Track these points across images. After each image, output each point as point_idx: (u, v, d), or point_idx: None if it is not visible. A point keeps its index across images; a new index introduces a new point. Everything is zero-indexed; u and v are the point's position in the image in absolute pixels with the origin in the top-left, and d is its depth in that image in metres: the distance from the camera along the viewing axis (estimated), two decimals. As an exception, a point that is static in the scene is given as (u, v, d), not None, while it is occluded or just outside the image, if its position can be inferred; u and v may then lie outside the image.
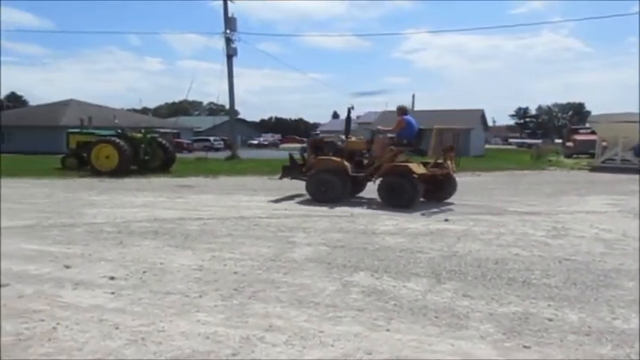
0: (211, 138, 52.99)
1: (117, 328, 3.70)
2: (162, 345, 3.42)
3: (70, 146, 20.45)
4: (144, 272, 5.23)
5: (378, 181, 10.54)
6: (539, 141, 58.32)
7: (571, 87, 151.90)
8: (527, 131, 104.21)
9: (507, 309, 4.19)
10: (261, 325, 3.80)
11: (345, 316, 4.00)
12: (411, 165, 10.18)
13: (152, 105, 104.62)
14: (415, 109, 54.75)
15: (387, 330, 3.73)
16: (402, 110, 11.45)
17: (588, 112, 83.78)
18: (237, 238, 6.99)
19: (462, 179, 16.97)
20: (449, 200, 10.97)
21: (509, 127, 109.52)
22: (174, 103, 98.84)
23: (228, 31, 30.94)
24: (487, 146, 50.81)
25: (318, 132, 44.37)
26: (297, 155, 12.32)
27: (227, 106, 35.71)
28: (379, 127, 13.52)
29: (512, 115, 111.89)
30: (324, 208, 9.71)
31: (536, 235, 7.32)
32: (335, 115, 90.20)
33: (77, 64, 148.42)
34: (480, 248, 6.42)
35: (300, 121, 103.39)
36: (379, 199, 10.35)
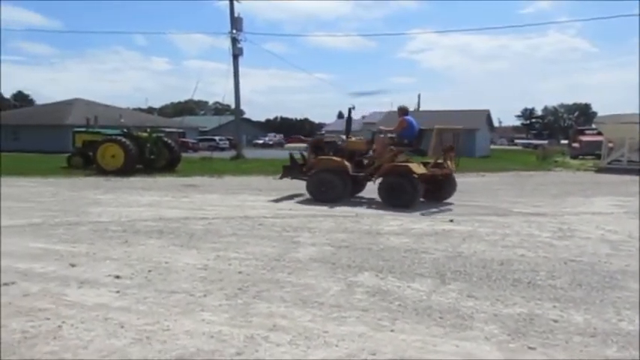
0: (217, 138, 53.10)
1: (122, 327, 3.71)
2: (167, 344, 3.43)
3: (76, 145, 20.56)
4: (149, 271, 5.25)
5: (378, 181, 10.58)
6: (545, 142, 58.12)
7: (577, 87, 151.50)
8: (533, 132, 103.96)
9: (512, 310, 4.18)
10: (265, 324, 3.80)
11: (350, 316, 4.00)
12: (411, 165, 10.22)
13: (158, 104, 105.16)
14: (421, 109, 54.82)
15: (392, 330, 3.72)
16: (403, 110, 11.53)
17: (594, 113, 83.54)
18: (242, 237, 7.00)
19: (467, 180, 16.96)
20: (448, 200, 10.99)
21: (515, 128, 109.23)
22: (179, 103, 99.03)
23: (234, 31, 30.97)
24: (493, 147, 50.61)
25: (323, 132, 44.36)
26: (297, 155, 12.34)
27: (233, 106, 35.80)
28: (381, 127, 13.54)
29: (519, 116, 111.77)
30: (328, 208, 9.71)
31: (541, 236, 7.29)
32: (340, 115, 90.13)
33: (84, 63, 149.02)
34: (485, 249, 6.41)
35: (306, 121, 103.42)
36: (379, 199, 10.38)
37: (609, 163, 21.67)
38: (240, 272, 5.25)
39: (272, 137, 69.59)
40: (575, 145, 32.08)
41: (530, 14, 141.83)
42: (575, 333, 3.70)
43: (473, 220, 8.49)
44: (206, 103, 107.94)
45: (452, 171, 10.92)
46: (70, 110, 42.60)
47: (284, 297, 4.46)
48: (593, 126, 31.16)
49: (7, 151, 32.70)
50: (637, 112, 21.94)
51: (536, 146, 49.31)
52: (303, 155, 12.17)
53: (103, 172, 17.47)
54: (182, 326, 3.74)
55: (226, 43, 31.44)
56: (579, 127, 40.94)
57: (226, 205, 10.18)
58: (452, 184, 11.16)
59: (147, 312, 4.05)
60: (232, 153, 32.62)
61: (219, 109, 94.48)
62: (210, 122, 69.88)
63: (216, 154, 32.01)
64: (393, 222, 8.31)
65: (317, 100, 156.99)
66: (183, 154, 22.77)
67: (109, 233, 7.23)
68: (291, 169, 11.93)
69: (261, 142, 63.92)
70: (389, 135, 11.49)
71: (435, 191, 10.91)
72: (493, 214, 9.34)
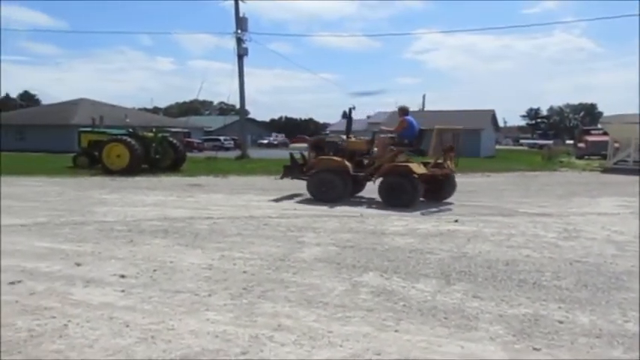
0: (221, 137, 53.20)
1: (127, 326, 3.73)
2: (172, 343, 3.44)
3: (82, 145, 20.62)
4: (154, 271, 5.26)
5: (378, 181, 10.60)
6: (551, 142, 57.81)
7: (583, 87, 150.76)
8: (539, 132, 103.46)
9: (517, 311, 4.17)
10: (270, 324, 3.81)
11: (354, 316, 4.00)
12: (411, 165, 10.24)
13: (163, 104, 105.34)
14: (425, 109, 54.76)
15: (396, 331, 3.72)
16: (404, 111, 11.60)
17: (600, 113, 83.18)
18: (247, 237, 7.01)
19: (472, 180, 16.95)
20: (448, 200, 11.02)
21: (520, 128, 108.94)
22: (185, 103, 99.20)
23: (239, 31, 31.06)
24: (498, 147, 50.54)
25: (327, 132, 44.34)
26: (297, 155, 12.36)
27: (237, 106, 35.98)
28: (382, 127, 13.56)
29: (524, 116, 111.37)
30: (328, 208, 9.71)
31: (547, 236, 7.27)
32: (344, 115, 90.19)
33: (90, 63, 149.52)
34: (490, 249, 6.39)
35: (310, 120, 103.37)
36: (379, 199, 10.41)
37: (615, 164, 21.58)
38: (244, 272, 5.25)
39: (276, 137, 69.71)
40: (581, 145, 31.99)
41: (536, 14, 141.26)
42: (580, 334, 3.69)
43: (478, 221, 8.48)
44: (211, 103, 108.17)
45: (452, 171, 10.94)
46: (75, 110, 42.81)
47: (289, 297, 4.46)
48: (599, 126, 31.01)
49: (13, 151, 32.92)
50: (636, 112, 21.81)
51: (541, 146, 49.10)
52: (303, 155, 12.20)
53: (108, 171, 17.53)
54: (187, 326, 3.75)
55: (231, 43, 31.59)
56: (585, 127, 40.78)
57: (231, 205, 10.20)
58: (452, 184, 11.19)
59: (152, 311, 4.06)
60: (237, 153, 32.72)
61: (224, 109, 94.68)
62: (215, 122, 70.03)
63: (221, 154, 32.09)
64: (398, 222, 8.30)
65: (321, 100, 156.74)
66: (189, 154, 22.85)
67: (115, 233, 7.25)
68: (292, 169, 11.95)
69: (265, 142, 64.02)
70: (389, 135, 11.52)
71: (435, 191, 10.93)
72: (498, 214, 9.32)
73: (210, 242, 6.68)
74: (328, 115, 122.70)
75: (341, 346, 3.44)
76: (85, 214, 8.85)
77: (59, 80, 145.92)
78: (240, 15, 31.31)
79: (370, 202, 10.70)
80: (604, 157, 24.51)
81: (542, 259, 5.90)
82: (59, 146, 33.09)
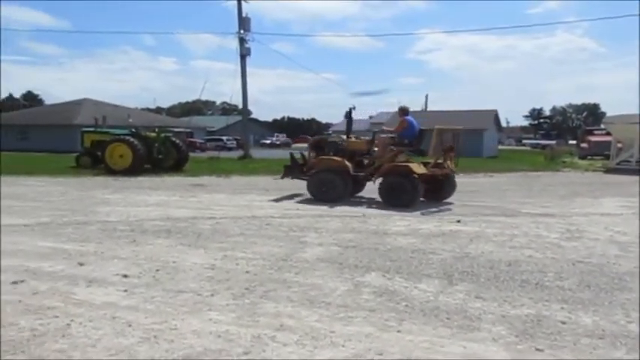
0: (224, 137, 53.27)
1: (130, 326, 3.73)
2: (175, 343, 3.45)
3: (85, 145, 20.66)
4: (157, 270, 5.27)
5: (378, 181, 10.61)
6: (554, 142, 57.78)
7: (586, 87, 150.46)
8: (541, 132, 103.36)
9: (520, 311, 4.16)
10: (272, 324, 3.81)
11: (357, 316, 4.00)
12: (411, 165, 10.26)
13: (166, 104, 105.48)
14: (428, 109, 54.72)
15: (399, 331, 3.72)
16: (404, 111, 11.64)
17: (603, 113, 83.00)
18: (249, 237, 7.02)
19: (474, 180, 16.93)
20: (448, 200, 11.04)
21: (523, 128, 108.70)
22: (187, 103, 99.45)
23: (242, 31, 31.06)
24: (500, 147, 50.44)
25: (330, 132, 44.38)
26: (297, 155, 12.39)
27: (240, 106, 35.88)
28: (383, 127, 13.58)
29: (527, 116, 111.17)
30: (328, 208, 9.72)
31: (549, 237, 7.26)
32: (347, 115, 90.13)
33: (92, 63, 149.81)
34: (493, 250, 6.38)
35: (313, 120, 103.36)
36: (378, 199, 10.44)
37: (618, 164, 21.52)
38: (247, 272, 5.26)
39: (278, 137, 69.76)
40: (584, 145, 31.89)
41: (538, 14, 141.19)
42: (583, 335, 3.68)
43: (480, 221, 8.47)
44: (214, 103, 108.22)
45: (452, 171, 10.97)
46: (78, 110, 42.89)
47: (291, 297, 4.46)
48: (602, 126, 30.93)
49: (16, 151, 33.01)
50: (637, 112, 21.74)
51: (544, 146, 49.08)
52: (303, 155, 12.23)
53: (111, 171, 17.55)
54: (189, 325, 3.76)
55: (234, 43, 31.61)
56: (588, 128, 40.71)
57: (234, 205, 10.21)
58: (452, 185, 11.22)
59: (154, 311, 4.07)
60: (240, 153, 32.73)
61: (227, 109, 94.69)
62: (217, 122, 70.13)
63: (224, 154, 32.14)
64: (400, 222, 8.30)
65: (324, 100, 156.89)
66: (191, 154, 22.84)
67: (117, 232, 7.26)
68: (292, 169, 11.98)
69: (268, 142, 64.06)
70: (389, 135, 11.55)
71: (435, 191, 10.95)
72: (501, 214, 9.30)
73: (212, 242, 6.68)
74: (331, 115, 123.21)
75: (343, 346, 3.44)
76: (88, 214, 8.87)
77: (62, 80, 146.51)
78: (243, 15, 31.33)
79: (370, 202, 10.71)
80: (607, 157, 24.46)
81: (544, 260, 5.89)
82: (62, 146, 33.17)
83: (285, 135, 73.58)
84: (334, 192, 10.57)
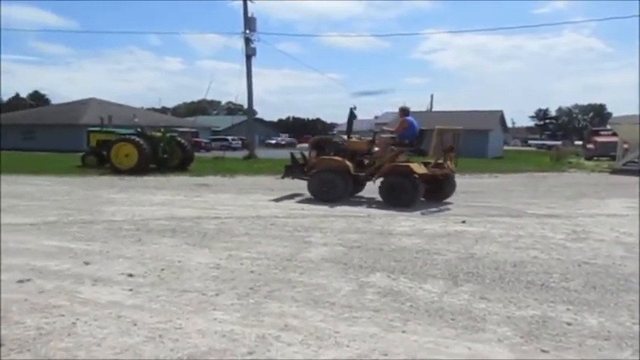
0: (229, 137, 53.34)
1: (135, 325, 3.74)
2: (179, 342, 3.46)
3: (91, 144, 20.74)
4: (162, 270, 5.28)
5: (378, 181, 10.64)
6: (559, 143, 57.49)
7: (592, 88, 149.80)
8: (547, 133, 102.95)
9: (525, 312, 4.15)
10: (276, 324, 3.81)
11: (361, 316, 4.00)
12: (412, 165, 10.30)
13: (171, 104, 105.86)
14: (433, 109, 54.62)
15: (403, 331, 3.71)
16: (405, 111, 11.71)
17: (609, 114, 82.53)
18: (254, 237, 7.03)
19: (480, 181, 16.89)
20: (448, 200, 11.07)
21: (528, 129, 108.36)
22: (193, 103, 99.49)
23: (247, 31, 31.08)
24: (506, 147, 50.33)
25: (335, 132, 44.42)
26: (298, 155, 12.42)
27: (245, 106, 36.01)
28: (384, 127, 13.61)
29: (532, 117, 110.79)
30: (333, 208, 9.72)
31: (555, 237, 7.23)
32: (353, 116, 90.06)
33: (99, 63, 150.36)
34: (498, 250, 6.37)
35: (318, 120, 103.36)
36: (379, 199, 10.46)
37: (624, 165, 21.41)
38: (252, 272, 5.26)
39: (284, 137, 69.85)
40: (590, 146, 31.76)
41: (545, 14, 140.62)
42: (588, 336, 3.67)
43: (485, 222, 8.45)
44: (219, 102, 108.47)
45: (452, 171, 11.01)
46: (84, 110, 43.06)
47: (295, 297, 4.47)
48: (608, 127, 30.75)
49: (22, 150, 33.19)
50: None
51: (550, 147, 48.83)
52: (303, 155, 12.28)
53: (116, 171, 17.62)
54: (194, 325, 3.76)
55: (239, 43, 31.61)
56: (594, 128, 40.52)
57: (239, 205, 10.22)
58: (451, 185, 11.27)
59: (159, 310, 4.08)
60: (245, 153, 32.75)
61: (232, 109, 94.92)
62: (222, 122, 70.23)
63: (229, 154, 32.13)
64: (405, 222, 8.29)
65: (329, 100, 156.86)
66: (196, 154, 22.92)
67: (123, 232, 7.29)
68: (293, 168, 12.02)
69: (273, 142, 64.10)
70: (390, 135, 11.58)
71: (435, 191, 10.99)
72: (506, 215, 9.28)
73: (217, 242, 6.69)
74: (336, 115, 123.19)
75: (348, 346, 3.44)
76: (94, 213, 8.90)
77: (69, 80, 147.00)
78: (249, 15, 31.36)
79: (370, 202, 10.72)
80: (613, 158, 24.33)
81: (550, 261, 5.87)
82: (68, 146, 33.25)
83: (287, 135, 73.66)
84: (335, 192, 10.60)
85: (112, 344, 3.41)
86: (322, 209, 9.65)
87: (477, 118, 39.03)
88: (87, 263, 5.51)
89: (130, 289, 4.61)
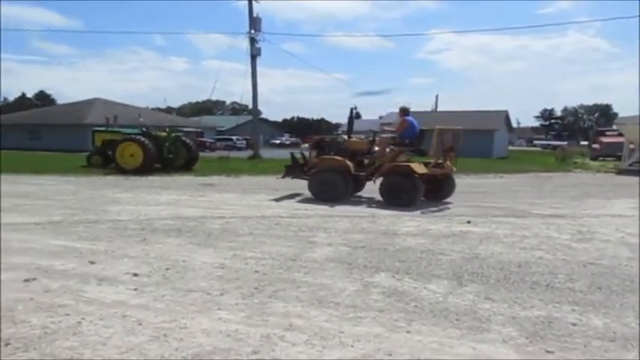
0: (234, 137, 53.42)
1: (140, 324, 3.76)
2: (184, 341, 3.46)
3: (96, 144, 20.79)
4: (167, 269, 5.30)
5: (379, 181, 10.67)
6: (565, 143, 57.31)
7: (598, 88, 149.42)
8: (553, 133, 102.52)
9: (530, 313, 4.14)
10: (281, 324, 3.81)
11: (366, 316, 4.00)
12: (412, 165, 10.32)
13: (176, 104, 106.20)
14: (438, 109, 54.54)
15: (408, 332, 3.71)
16: (405, 111, 11.71)
17: (615, 114, 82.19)
18: (259, 237, 7.03)
19: (485, 181, 16.85)
20: (447, 200, 11.10)
21: (534, 129, 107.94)
22: (198, 103, 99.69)
23: (252, 31, 31.09)
24: (511, 148, 50.22)
25: (339, 132, 44.44)
26: (298, 155, 12.44)
27: (250, 106, 36.02)
28: (384, 127, 13.63)
29: (538, 117, 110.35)
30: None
31: (560, 238, 7.21)
32: (357, 116, 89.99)
33: (104, 63, 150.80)
34: (503, 251, 6.35)
35: (322, 120, 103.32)
36: (379, 198, 10.48)
37: (630, 165, 21.33)
38: (256, 271, 5.27)
39: (289, 137, 69.92)
40: (596, 146, 31.63)
41: (550, 14, 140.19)
42: (594, 337, 3.66)
43: (490, 222, 8.42)
44: (224, 102, 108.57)
45: (451, 171, 11.03)
46: (89, 110, 43.15)
47: (300, 297, 4.47)
48: (614, 127, 30.67)
49: (28, 150, 33.33)
50: None
51: (555, 147, 48.73)
52: (303, 155, 12.33)
53: (122, 170, 17.66)
54: (199, 324, 3.77)
55: (244, 43, 31.56)
56: (599, 128, 40.38)
57: (243, 205, 10.23)
58: (451, 184, 11.32)
59: (164, 310, 4.09)
60: (249, 153, 32.76)
61: (237, 109, 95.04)
62: (227, 122, 70.30)
63: (234, 154, 32.17)
64: (410, 223, 8.28)
65: (334, 100, 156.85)
66: (201, 154, 22.92)
67: (128, 231, 7.31)
68: (293, 168, 12.07)
69: (278, 142, 64.14)
70: (390, 135, 11.61)
71: (435, 191, 11.03)
72: (511, 215, 9.25)
73: (222, 241, 6.70)
74: (340, 115, 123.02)
75: (352, 346, 3.44)
76: (99, 213, 8.93)
77: (74, 80, 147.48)
78: (254, 15, 31.37)
79: (370, 202, 10.73)
80: (619, 158, 24.22)
81: (555, 261, 5.85)
82: (73, 145, 33.34)
83: (289, 135, 73.74)
84: (335, 191, 10.64)
85: (117, 343, 3.42)
86: (326, 209, 9.65)
87: (482, 118, 38.96)
88: (92, 263, 5.53)
89: (135, 289, 4.63)
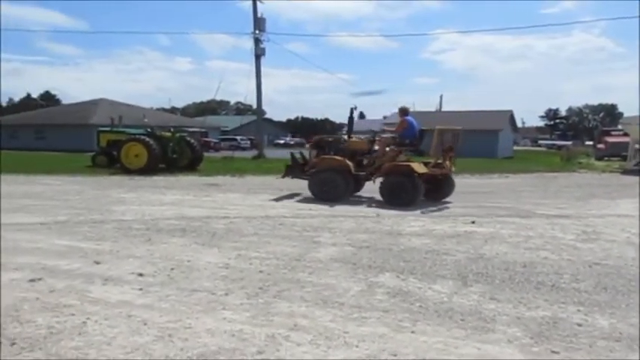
0: (238, 137, 53.50)
1: (145, 324, 3.76)
2: (189, 341, 3.47)
3: (101, 144, 20.89)
4: (171, 269, 5.31)
5: (378, 181, 10.69)
6: (570, 143, 57.09)
7: (603, 88, 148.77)
8: (557, 133, 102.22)
9: (535, 313, 4.12)
10: (286, 324, 3.82)
11: (370, 316, 3.99)
12: (413, 164, 10.35)
13: (181, 104, 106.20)
14: (443, 109, 54.46)
15: (413, 332, 3.71)
16: (404, 111, 11.77)
17: (621, 114, 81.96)
18: (263, 237, 7.04)
19: (489, 181, 16.82)
20: (447, 200, 11.11)
21: (538, 129, 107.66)
22: (202, 103, 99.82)
23: (257, 32, 31.18)
24: (516, 148, 50.07)
25: (343, 132, 44.50)
26: (298, 155, 12.45)
27: (254, 106, 36.09)
28: (384, 127, 13.63)
29: (542, 117, 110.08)
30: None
31: (565, 238, 7.19)
32: (361, 116, 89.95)
33: (109, 63, 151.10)
34: (508, 251, 6.33)
35: (326, 120, 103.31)
36: (378, 198, 10.50)
37: (635, 165, 21.22)
38: (261, 271, 5.27)
39: (291, 137, 70.00)
40: (601, 146, 31.49)
41: (554, 14, 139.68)
42: (599, 337, 3.64)
43: (495, 222, 8.41)
44: (228, 103, 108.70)
45: (450, 171, 11.05)
46: (94, 110, 43.34)
47: (305, 297, 4.47)
48: (619, 127, 30.57)
49: (33, 150, 33.48)
50: None
51: (560, 147, 48.52)
52: (303, 155, 12.34)
53: (126, 171, 17.72)
54: (204, 324, 3.78)
55: (249, 44, 31.85)
56: (604, 128, 40.24)
57: (247, 205, 10.25)
58: (450, 184, 11.32)
59: (169, 310, 4.10)
60: (253, 152, 32.84)
61: (241, 109, 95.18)
62: (232, 122, 70.38)
63: (238, 154, 32.24)
64: (415, 223, 8.27)
65: (338, 100, 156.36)
66: (205, 154, 22.99)
67: (133, 231, 7.32)
68: (293, 168, 12.09)
69: (282, 142, 64.19)
70: (390, 135, 11.64)
71: (435, 191, 11.03)
72: (516, 215, 9.23)
73: (226, 241, 6.71)
74: (344, 115, 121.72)
75: (357, 346, 3.44)
76: (104, 213, 8.96)
77: (79, 80, 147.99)
78: (258, 15, 31.46)
79: (370, 201, 10.74)
80: (624, 158, 24.12)
81: (560, 261, 5.83)
82: (78, 146, 33.50)
83: (291, 135, 73.81)
84: (335, 191, 10.65)
85: (122, 343, 3.43)
86: (330, 209, 9.65)
87: (486, 118, 38.89)
88: (97, 262, 5.55)
89: (140, 289, 4.64)
